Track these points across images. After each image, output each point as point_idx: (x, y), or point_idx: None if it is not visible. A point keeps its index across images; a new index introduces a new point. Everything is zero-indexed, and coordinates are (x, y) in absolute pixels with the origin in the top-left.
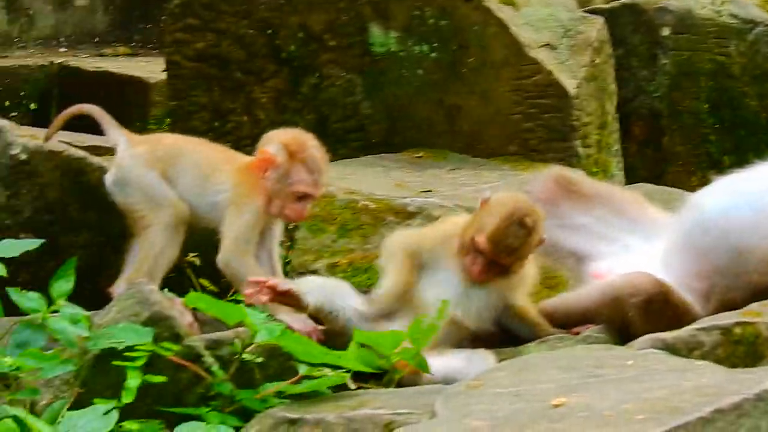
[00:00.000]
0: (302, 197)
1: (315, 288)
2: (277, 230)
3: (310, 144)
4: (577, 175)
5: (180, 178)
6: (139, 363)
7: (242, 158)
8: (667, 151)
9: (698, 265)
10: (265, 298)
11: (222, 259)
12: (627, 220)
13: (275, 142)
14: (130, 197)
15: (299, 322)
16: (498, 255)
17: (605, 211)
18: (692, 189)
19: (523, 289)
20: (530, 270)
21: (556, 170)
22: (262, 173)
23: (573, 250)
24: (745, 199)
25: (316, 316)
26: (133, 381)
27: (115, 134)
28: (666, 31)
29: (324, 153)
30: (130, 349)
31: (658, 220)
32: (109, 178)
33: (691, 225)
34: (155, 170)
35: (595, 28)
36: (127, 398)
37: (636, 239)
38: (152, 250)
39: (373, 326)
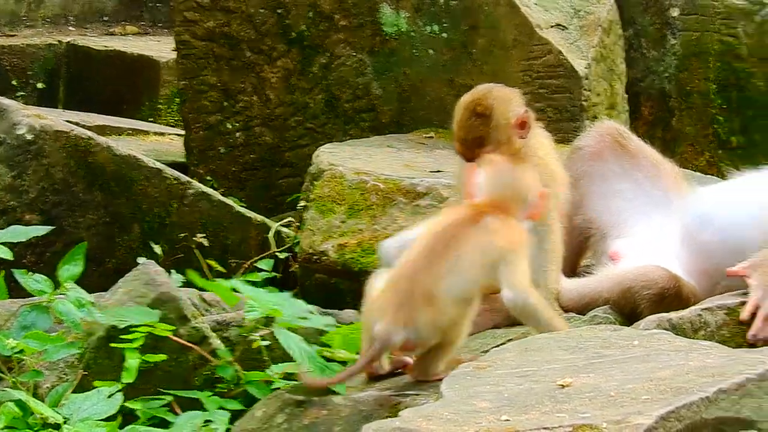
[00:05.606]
0: None
1: None
2: None
3: None
4: (627, 131)
5: None
6: (137, 344)
7: None
8: (676, 131)
9: (698, 261)
10: None
11: None
12: (661, 192)
13: None
14: None
15: None
16: (470, 150)
17: (644, 175)
18: (700, 169)
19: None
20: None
21: (609, 123)
22: None
23: (601, 224)
24: (745, 202)
25: None
26: (132, 361)
27: None
28: (675, 12)
29: None
30: (131, 330)
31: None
32: None
33: (691, 218)
34: None
35: (605, 8)
36: (126, 378)
37: (663, 216)
38: None
39: None
